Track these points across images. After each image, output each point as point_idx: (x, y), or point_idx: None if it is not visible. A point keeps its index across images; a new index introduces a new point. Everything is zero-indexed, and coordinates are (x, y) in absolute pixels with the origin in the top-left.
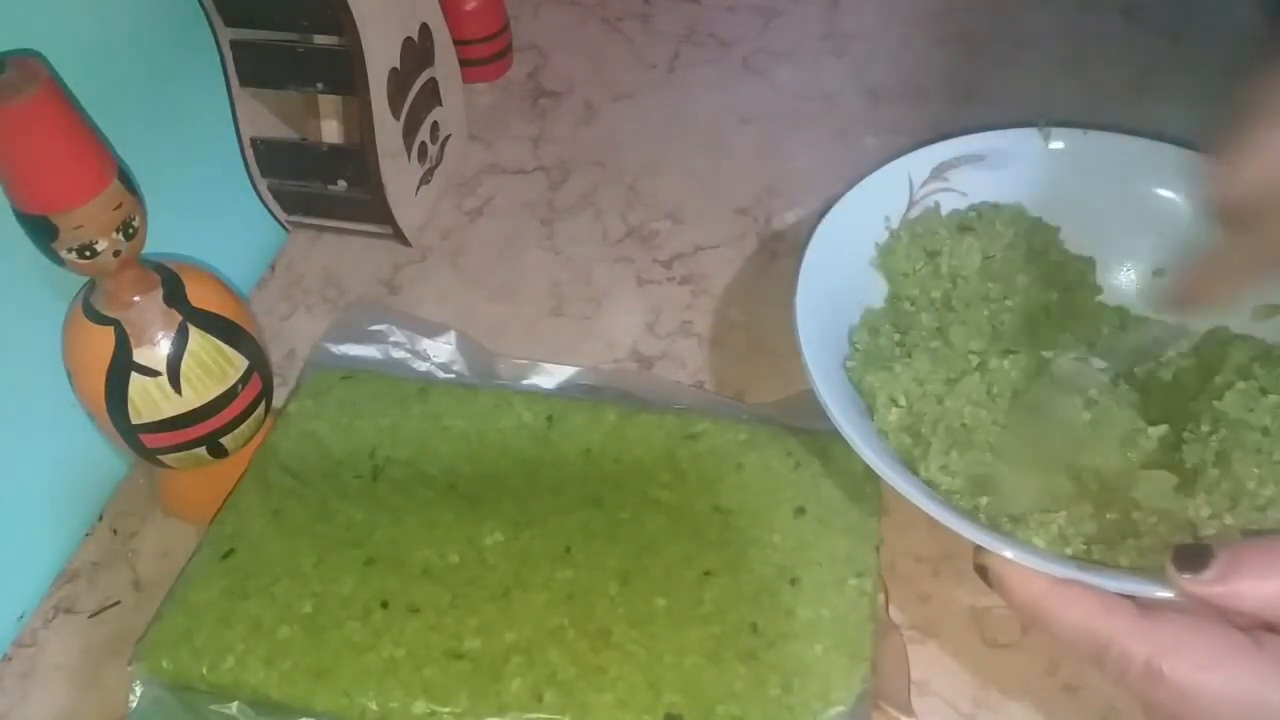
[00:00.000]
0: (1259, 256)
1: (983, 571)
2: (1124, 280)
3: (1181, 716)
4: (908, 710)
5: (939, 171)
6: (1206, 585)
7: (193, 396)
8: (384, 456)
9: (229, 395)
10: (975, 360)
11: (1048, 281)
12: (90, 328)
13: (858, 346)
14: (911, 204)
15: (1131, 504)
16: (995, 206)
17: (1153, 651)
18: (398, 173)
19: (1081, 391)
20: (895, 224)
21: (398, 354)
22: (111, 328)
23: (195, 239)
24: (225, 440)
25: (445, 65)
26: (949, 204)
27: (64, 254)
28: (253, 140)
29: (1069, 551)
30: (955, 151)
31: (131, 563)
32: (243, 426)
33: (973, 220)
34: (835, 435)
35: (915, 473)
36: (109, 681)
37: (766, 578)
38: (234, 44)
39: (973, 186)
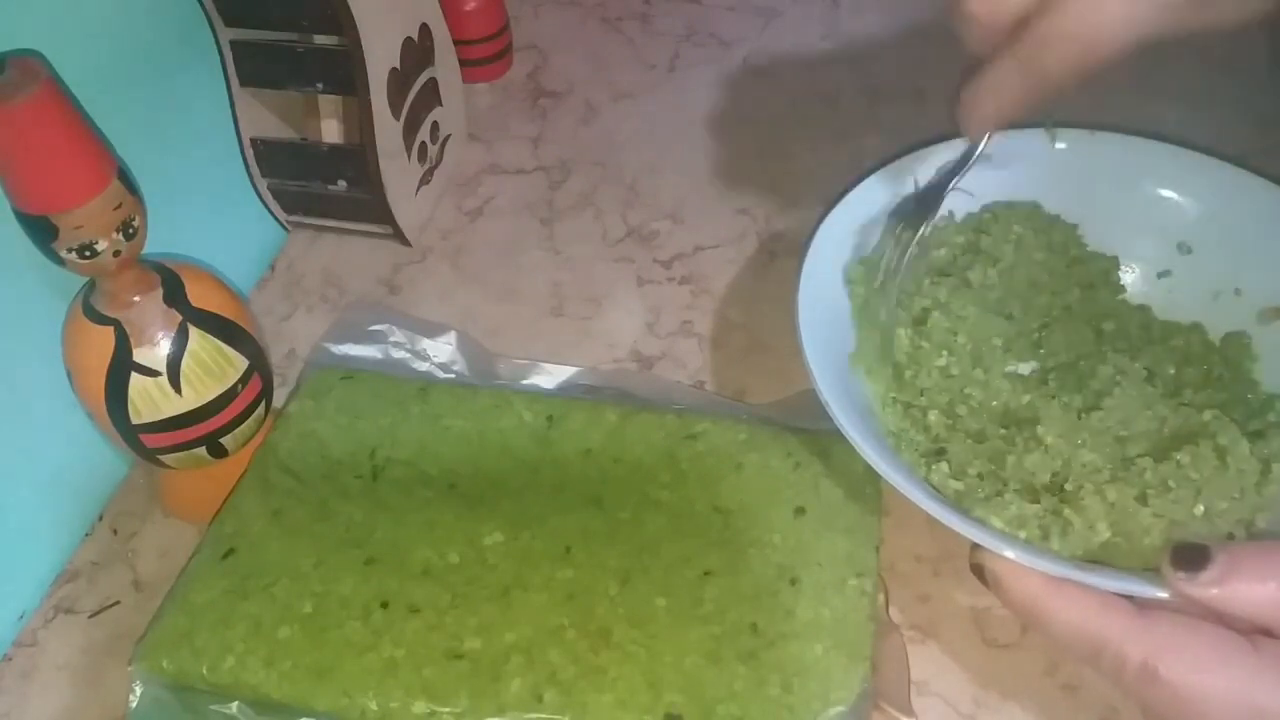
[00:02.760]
0: (1028, 63)
1: (979, 570)
2: (1129, 280)
3: (1176, 717)
4: (908, 710)
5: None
6: (1203, 586)
7: (193, 396)
8: (384, 456)
9: (229, 395)
10: (984, 359)
11: (1067, 280)
12: (90, 328)
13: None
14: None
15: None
16: (1009, 205)
17: (1148, 651)
18: (398, 173)
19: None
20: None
21: (398, 354)
22: (111, 328)
23: (195, 239)
24: (225, 440)
25: (445, 65)
26: (954, 204)
27: (64, 254)
28: (253, 140)
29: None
30: (961, 150)
31: (131, 563)
32: (243, 426)
33: (988, 223)
34: (835, 435)
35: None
36: (109, 681)
37: (766, 578)
38: (234, 44)
39: (978, 186)
